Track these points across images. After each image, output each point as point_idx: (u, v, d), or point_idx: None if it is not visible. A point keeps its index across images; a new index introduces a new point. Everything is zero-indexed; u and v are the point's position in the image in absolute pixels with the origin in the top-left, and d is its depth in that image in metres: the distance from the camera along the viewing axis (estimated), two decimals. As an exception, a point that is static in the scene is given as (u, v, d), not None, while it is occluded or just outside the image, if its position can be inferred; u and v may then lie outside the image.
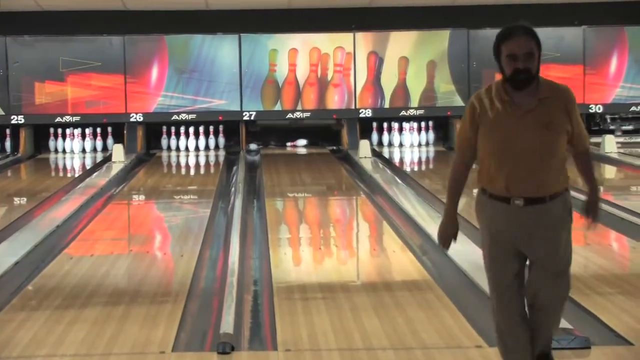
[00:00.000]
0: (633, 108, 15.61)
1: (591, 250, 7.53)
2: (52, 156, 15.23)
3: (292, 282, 6.75)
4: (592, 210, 4.28)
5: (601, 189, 10.97)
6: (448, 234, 4.28)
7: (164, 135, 15.59)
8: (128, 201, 11.15)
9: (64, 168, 14.50)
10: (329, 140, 15.82)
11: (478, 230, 4.27)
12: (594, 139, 13.45)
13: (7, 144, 15.33)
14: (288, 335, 5.36)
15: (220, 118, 15.36)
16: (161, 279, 6.90)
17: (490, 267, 4.19)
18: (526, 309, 4.20)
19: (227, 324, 5.41)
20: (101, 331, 5.47)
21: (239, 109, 15.27)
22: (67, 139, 15.42)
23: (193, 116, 15.26)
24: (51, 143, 15.49)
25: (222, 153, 15.27)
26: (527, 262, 4.21)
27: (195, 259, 7.39)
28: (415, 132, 15.66)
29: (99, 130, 15.48)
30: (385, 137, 15.66)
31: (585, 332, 5.17)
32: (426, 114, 15.50)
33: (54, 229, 8.56)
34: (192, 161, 14.77)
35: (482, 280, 5.88)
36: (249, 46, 15.28)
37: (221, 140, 15.67)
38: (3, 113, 15.05)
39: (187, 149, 15.49)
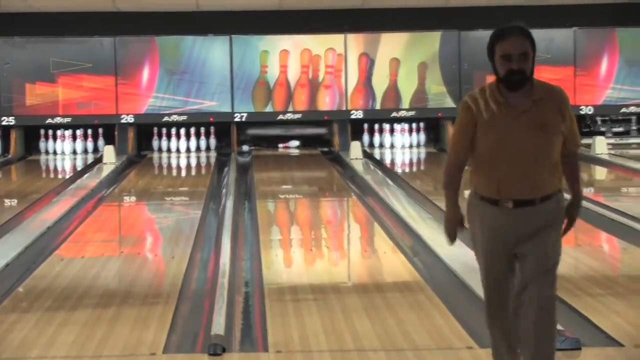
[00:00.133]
0: (623, 109, 15.64)
1: (582, 251, 7.54)
2: (42, 157, 15.20)
3: (284, 284, 6.75)
4: (573, 212, 4.21)
5: (592, 190, 11.02)
6: (452, 223, 4.22)
7: (155, 137, 15.57)
8: (119, 203, 11.14)
9: (55, 169, 14.48)
10: (320, 142, 15.81)
11: (469, 230, 4.27)
12: (585, 141, 13.47)
13: (-2, 146, 15.31)
14: (279, 336, 5.36)
15: (211, 119, 15.35)
16: (152, 281, 6.90)
17: (483, 264, 4.17)
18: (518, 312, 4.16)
19: (218, 326, 5.40)
20: (92, 333, 5.46)
21: (230, 110, 15.26)
22: (58, 141, 15.39)
23: (184, 117, 15.25)
24: (42, 144, 15.46)
25: (213, 154, 15.25)
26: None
27: (187, 261, 7.38)
28: (407, 134, 15.66)
29: (89, 131, 15.44)
30: (377, 139, 15.66)
31: (575, 333, 5.17)
32: (417, 115, 15.51)
33: (44, 231, 8.55)
34: (183, 162, 14.75)
35: (473, 281, 5.90)
36: (240, 47, 15.27)
37: (212, 141, 15.65)
38: (-6, 114, 15.03)
39: (178, 150, 15.48)
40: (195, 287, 6.73)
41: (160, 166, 14.63)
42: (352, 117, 15.39)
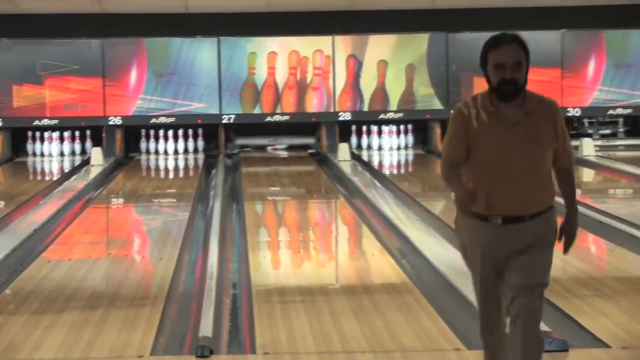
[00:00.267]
0: (610, 111, 15.68)
1: (569, 253, 7.55)
2: (30, 159, 15.16)
3: (271, 286, 6.75)
4: (568, 233, 4.08)
5: (579, 192, 11.04)
6: (465, 199, 3.97)
7: (143, 139, 15.53)
8: (107, 205, 11.12)
9: (42, 171, 14.45)
10: (308, 145, 15.80)
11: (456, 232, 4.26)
12: (572, 142, 13.48)
13: (-15, 148, 15.26)
14: (267, 338, 5.36)
15: (199, 121, 15.34)
16: (140, 283, 6.89)
17: (473, 276, 4.08)
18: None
19: (206, 327, 5.40)
20: (79, 335, 5.45)
21: (218, 112, 15.24)
22: (46, 142, 15.35)
23: (172, 119, 15.23)
24: (29, 146, 15.41)
25: (201, 156, 15.24)
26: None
27: (174, 263, 7.37)
28: (394, 135, 15.67)
29: (77, 133, 15.40)
30: (365, 140, 15.66)
31: (563, 334, 5.18)
32: (405, 117, 15.52)
33: (31, 233, 8.52)
34: (171, 164, 14.74)
35: (461, 283, 5.91)
36: (228, 49, 15.26)
37: (200, 143, 15.63)
38: (-19, 116, 14.98)
39: (166, 152, 15.45)
40: (183, 289, 6.73)
41: (148, 168, 14.61)
42: (340, 118, 15.39)
